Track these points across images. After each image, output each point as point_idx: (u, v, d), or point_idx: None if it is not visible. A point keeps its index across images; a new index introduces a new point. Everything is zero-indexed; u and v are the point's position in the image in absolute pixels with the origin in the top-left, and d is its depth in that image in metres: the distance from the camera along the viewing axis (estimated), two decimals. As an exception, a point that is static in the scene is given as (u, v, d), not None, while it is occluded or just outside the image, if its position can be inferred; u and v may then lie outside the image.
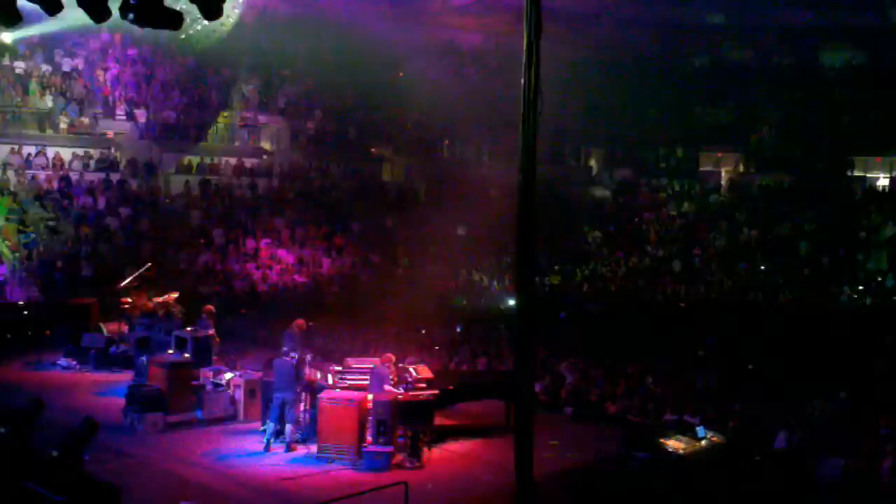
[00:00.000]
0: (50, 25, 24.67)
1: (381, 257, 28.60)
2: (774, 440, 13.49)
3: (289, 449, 13.42)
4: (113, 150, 28.52)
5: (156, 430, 14.17)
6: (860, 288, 25.73)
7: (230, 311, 21.34)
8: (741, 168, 36.80)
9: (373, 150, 34.59)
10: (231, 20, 29.02)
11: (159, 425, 14.26)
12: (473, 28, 36.11)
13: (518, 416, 9.14)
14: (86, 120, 28.21)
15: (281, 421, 13.57)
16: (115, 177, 27.43)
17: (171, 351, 15.80)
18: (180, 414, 14.56)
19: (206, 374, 15.28)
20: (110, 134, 28.67)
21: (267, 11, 34.42)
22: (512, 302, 17.79)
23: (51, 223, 23.96)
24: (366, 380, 14.10)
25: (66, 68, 29.03)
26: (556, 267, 28.92)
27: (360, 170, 33.50)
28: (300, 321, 14.85)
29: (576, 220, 33.01)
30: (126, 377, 16.53)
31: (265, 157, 32.08)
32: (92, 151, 27.86)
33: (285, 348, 14.17)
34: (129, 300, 18.69)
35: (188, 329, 16.55)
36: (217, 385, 15.14)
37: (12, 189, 24.99)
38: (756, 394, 16.00)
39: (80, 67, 29.31)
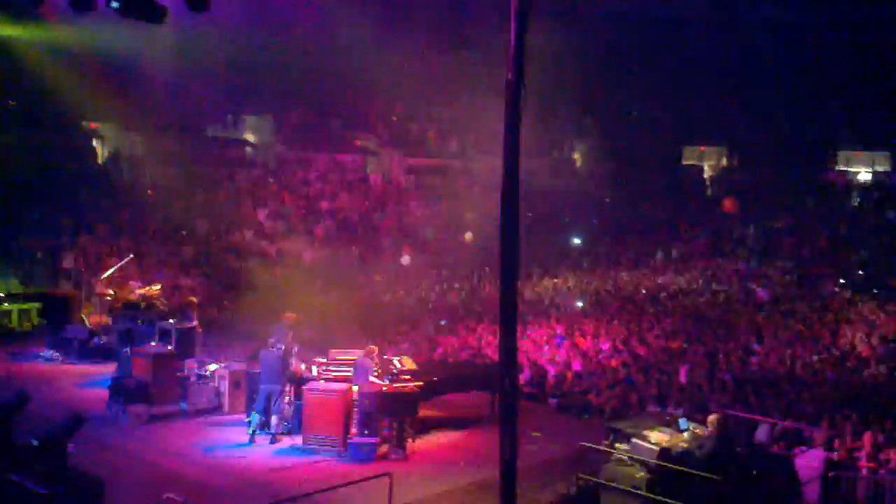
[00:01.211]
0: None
1: (365, 249, 28.57)
2: (755, 432, 13.61)
3: (274, 440, 13.44)
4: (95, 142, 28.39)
5: (140, 422, 14.13)
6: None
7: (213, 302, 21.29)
8: (724, 162, 37.01)
9: (357, 141, 34.54)
10: None
11: (143, 417, 14.22)
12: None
13: (502, 407, 9.18)
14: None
15: (266, 412, 13.58)
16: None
17: (154, 343, 15.74)
18: (164, 406, 14.54)
19: (190, 365, 15.24)
20: (93, 125, 28.51)
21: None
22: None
23: None
24: (350, 371, 14.11)
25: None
26: None
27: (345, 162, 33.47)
28: (290, 314, 14.84)
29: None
30: (109, 369, 16.46)
31: (248, 148, 32.01)
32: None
33: (272, 340, 14.16)
34: (112, 291, 18.60)
35: (171, 320, 16.49)
36: (201, 377, 15.11)
37: None
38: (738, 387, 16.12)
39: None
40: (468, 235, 27.11)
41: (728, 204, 30.56)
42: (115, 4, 9.90)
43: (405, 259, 26.03)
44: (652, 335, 19.96)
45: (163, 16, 10.40)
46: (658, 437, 11.62)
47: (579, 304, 23.70)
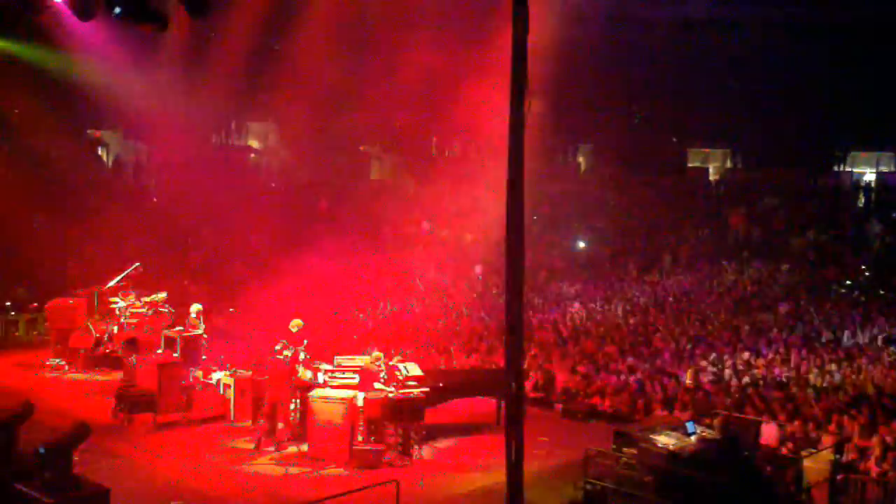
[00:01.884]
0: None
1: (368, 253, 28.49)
2: (760, 434, 13.53)
3: (279, 448, 13.41)
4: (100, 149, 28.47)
5: (145, 430, 14.14)
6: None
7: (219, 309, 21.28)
8: (728, 164, 36.92)
9: (361, 147, 34.53)
10: None
11: (149, 425, 14.24)
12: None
13: (508, 412, 9.14)
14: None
15: (272, 420, 13.56)
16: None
17: (160, 351, 15.74)
18: (170, 414, 14.54)
19: (195, 373, 15.24)
20: (98, 133, 28.57)
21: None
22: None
23: None
24: (356, 378, 14.09)
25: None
26: None
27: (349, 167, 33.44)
28: (296, 320, 14.83)
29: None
30: (115, 377, 16.47)
31: (253, 155, 32.05)
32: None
33: (278, 347, 14.15)
34: (118, 300, 18.60)
35: (177, 328, 16.50)
36: (207, 384, 15.10)
37: None
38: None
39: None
40: (477, 269, 26.54)
41: (735, 219, 30.21)
42: (117, 10, 9.92)
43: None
44: (658, 338, 19.90)
45: (164, 23, 10.41)
46: (665, 440, 11.59)
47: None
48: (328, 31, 29.37)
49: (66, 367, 18.07)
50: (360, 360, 14.47)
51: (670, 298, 24.61)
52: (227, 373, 15.28)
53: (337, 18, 28.07)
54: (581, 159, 39.02)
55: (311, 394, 13.58)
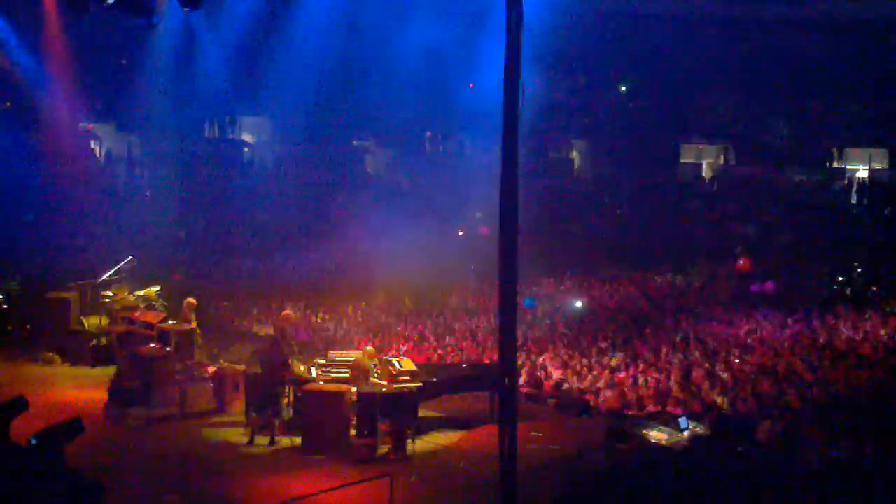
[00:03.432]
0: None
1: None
2: (755, 430, 13.57)
3: (273, 442, 13.42)
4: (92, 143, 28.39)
5: (138, 424, 14.12)
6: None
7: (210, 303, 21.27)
8: (722, 160, 37.01)
9: (355, 141, 34.50)
10: None
11: (142, 419, 14.21)
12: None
13: (502, 407, 9.16)
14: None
15: (265, 414, 13.56)
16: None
17: (152, 344, 15.72)
18: (163, 408, 14.52)
19: (188, 367, 15.22)
20: (90, 126, 28.49)
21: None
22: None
23: None
24: (349, 372, 14.09)
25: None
26: None
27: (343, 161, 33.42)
28: (288, 313, 14.82)
29: None
30: (108, 371, 16.44)
31: (247, 149, 31.99)
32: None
33: (271, 340, 14.13)
34: (110, 293, 18.56)
35: (170, 322, 16.47)
36: (200, 378, 15.09)
37: None
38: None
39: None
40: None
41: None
42: (110, 1, 9.91)
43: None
44: (650, 332, 19.94)
45: (157, 15, 10.41)
46: (658, 436, 11.63)
47: (578, 304, 23.67)
48: (322, 24, 29.37)
49: (60, 361, 18.02)
50: (354, 355, 14.48)
51: (664, 294, 24.69)
52: (221, 366, 15.28)
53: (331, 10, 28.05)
54: (574, 155, 39.03)
55: (304, 388, 13.57)
